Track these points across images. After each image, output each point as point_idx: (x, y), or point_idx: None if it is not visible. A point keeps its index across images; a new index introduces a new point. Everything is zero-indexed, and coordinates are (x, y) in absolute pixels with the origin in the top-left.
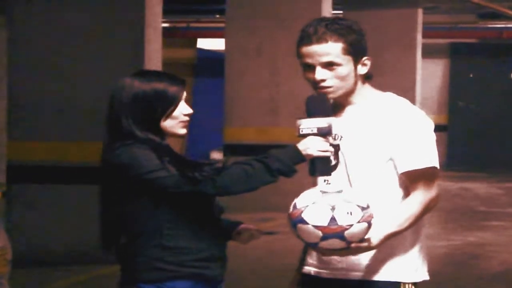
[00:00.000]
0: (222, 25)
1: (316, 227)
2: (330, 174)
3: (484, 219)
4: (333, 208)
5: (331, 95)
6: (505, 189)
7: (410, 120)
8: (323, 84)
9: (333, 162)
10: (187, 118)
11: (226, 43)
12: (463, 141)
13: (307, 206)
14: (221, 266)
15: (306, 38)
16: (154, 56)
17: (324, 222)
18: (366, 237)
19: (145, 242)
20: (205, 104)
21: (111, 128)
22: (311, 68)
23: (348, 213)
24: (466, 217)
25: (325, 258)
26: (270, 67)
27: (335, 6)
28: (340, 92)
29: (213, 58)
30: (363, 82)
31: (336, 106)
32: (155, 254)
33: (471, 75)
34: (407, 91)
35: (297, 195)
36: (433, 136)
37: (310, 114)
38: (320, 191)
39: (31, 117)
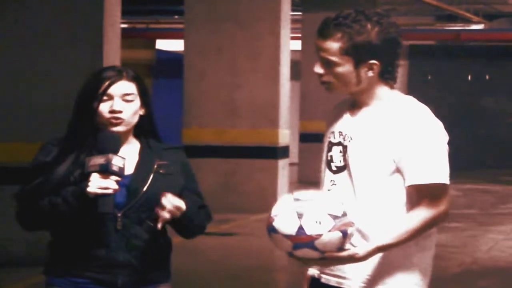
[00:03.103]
0: (181, 26)
1: (285, 236)
2: (111, 211)
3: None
4: (300, 217)
5: (330, 90)
6: (463, 190)
7: (424, 131)
8: (321, 79)
9: (342, 164)
10: (111, 116)
11: (185, 44)
12: None
13: (278, 214)
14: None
15: (317, 29)
16: (113, 57)
17: (292, 231)
18: (349, 247)
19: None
20: (164, 105)
21: None
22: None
23: (317, 222)
24: None
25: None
26: (230, 68)
27: (294, 7)
28: (341, 90)
29: (172, 59)
30: (380, 82)
31: (354, 103)
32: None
33: (429, 77)
34: None
35: (255, 196)
36: (445, 150)
37: (99, 151)
38: (294, 198)
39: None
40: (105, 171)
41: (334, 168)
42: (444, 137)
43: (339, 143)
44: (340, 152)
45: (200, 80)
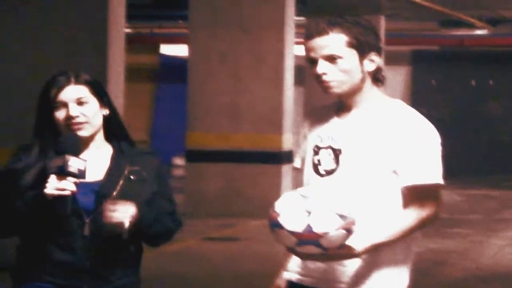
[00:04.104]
0: (185, 31)
1: (291, 232)
2: (68, 213)
3: (445, 226)
4: (309, 214)
5: (335, 90)
6: (467, 196)
7: (418, 132)
8: (324, 77)
9: (332, 167)
10: (71, 122)
11: (189, 49)
12: None
13: (284, 210)
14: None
15: (308, 32)
16: (117, 61)
17: (299, 228)
18: (348, 244)
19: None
20: (168, 109)
21: None
22: (314, 62)
23: (324, 220)
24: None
25: (309, 266)
26: (233, 73)
27: (298, 12)
28: (344, 88)
29: (176, 64)
30: (372, 83)
31: (341, 107)
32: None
33: (433, 82)
34: None
35: (258, 201)
36: (439, 151)
37: (58, 153)
38: (300, 195)
39: None
40: (62, 172)
41: (322, 172)
42: (438, 138)
43: (328, 147)
44: (330, 155)
45: (204, 84)
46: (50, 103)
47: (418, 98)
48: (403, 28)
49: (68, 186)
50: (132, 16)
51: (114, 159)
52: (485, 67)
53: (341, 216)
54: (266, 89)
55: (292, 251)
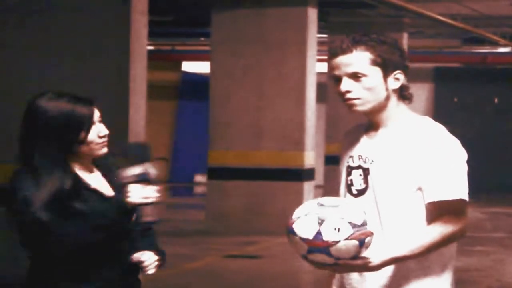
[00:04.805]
0: (207, 48)
1: (302, 239)
2: (154, 220)
3: (468, 244)
4: (321, 223)
5: (359, 108)
6: (489, 214)
7: (443, 149)
8: (349, 95)
9: (363, 186)
10: (103, 140)
11: (211, 66)
12: None
13: (299, 217)
14: None
15: (333, 50)
16: (139, 79)
17: (310, 236)
18: (364, 255)
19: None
20: (189, 127)
21: (20, 151)
22: (338, 80)
23: (335, 229)
24: None
25: (345, 281)
26: (255, 91)
27: (320, 30)
28: (369, 106)
29: (197, 81)
30: (398, 101)
31: (370, 126)
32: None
33: (456, 99)
34: None
35: (280, 219)
36: (465, 168)
37: (131, 162)
38: (318, 203)
39: None
40: (144, 180)
41: (355, 192)
42: (463, 155)
43: (359, 167)
44: (360, 175)
45: (226, 102)
46: (85, 125)
47: (441, 115)
48: (426, 46)
49: (151, 193)
50: (154, 33)
51: (105, 173)
52: (507, 84)
53: (354, 226)
54: (288, 107)
55: (305, 258)
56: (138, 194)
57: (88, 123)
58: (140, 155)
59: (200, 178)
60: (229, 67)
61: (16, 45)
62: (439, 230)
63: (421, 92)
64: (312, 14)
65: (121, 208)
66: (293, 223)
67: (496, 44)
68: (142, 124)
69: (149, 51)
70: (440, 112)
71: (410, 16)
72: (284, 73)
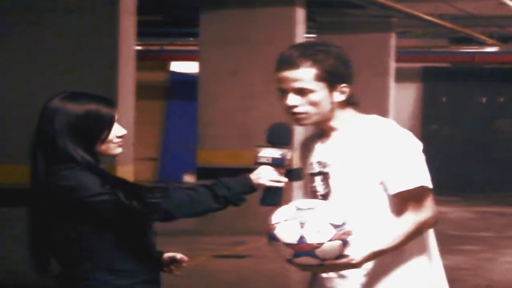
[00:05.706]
0: (195, 48)
1: (286, 244)
2: (279, 205)
3: (456, 243)
4: (302, 226)
5: (305, 121)
6: (477, 213)
7: (398, 142)
8: (295, 110)
9: (325, 190)
10: (121, 140)
11: (200, 66)
12: (435, 165)
13: (279, 222)
14: None
15: (280, 63)
16: (127, 79)
17: (294, 240)
18: (346, 253)
19: (93, 266)
20: (178, 126)
21: (46, 151)
22: (284, 93)
23: (318, 231)
24: (439, 241)
25: (326, 284)
26: (244, 91)
27: (308, 30)
28: (315, 119)
29: (186, 81)
30: (344, 107)
31: (321, 133)
32: (103, 277)
33: (444, 99)
34: (380, 115)
35: (267, 218)
36: (422, 156)
37: (269, 142)
38: (295, 206)
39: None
40: (279, 165)
41: (319, 198)
42: (418, 144)
43: (319, 173)
44: (322, 180)
45: (215, 102)
46: (109, 124)
47: (429, 115)
48: (414, 45)
49: (283, 178)
50: (142, 33)
51: None
52: (495, 84)
53: (335, 226)
54: (277, 107)
55: (290, 263)
56: (268, 176)
57: (111, 122)
58: (281, 138)
59: (188, 178)
60: (217, 67)
61: (3, 46)
62: (411, 219)
63: (409, 92)
64: (300, 14)
65: (246, 186)
66: (273, 229)
67: (484, 43)
68: (131, 123)
69: (138, 51)
70: (429, 112)
71: (398, 16)
72: (272, 73)
